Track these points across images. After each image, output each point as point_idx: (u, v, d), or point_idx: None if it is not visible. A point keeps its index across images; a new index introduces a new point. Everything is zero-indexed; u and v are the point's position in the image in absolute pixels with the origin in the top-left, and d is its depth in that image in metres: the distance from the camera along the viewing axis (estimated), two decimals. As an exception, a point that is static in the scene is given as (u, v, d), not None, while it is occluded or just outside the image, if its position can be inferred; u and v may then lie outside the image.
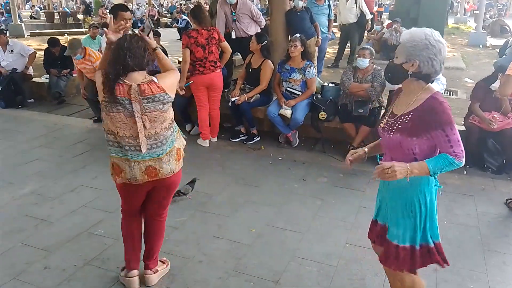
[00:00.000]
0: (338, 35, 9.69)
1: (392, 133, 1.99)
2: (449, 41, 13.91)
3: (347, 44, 9.24)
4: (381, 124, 2.11)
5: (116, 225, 3.37)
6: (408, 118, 1.94)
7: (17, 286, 2.71)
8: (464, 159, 1.89)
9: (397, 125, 1.97)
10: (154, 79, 2.33)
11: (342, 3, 9.02)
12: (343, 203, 3.76)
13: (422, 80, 1.94)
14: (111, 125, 2.31)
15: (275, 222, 3.45)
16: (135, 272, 2.67)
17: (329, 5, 7.62)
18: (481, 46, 13.15)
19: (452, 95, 7.08)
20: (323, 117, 4.83)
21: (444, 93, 6.86)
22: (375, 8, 19.37)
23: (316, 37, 6.72)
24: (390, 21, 10.26)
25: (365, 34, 10.48)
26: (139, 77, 2.27)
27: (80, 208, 3.68)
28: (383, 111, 4.67)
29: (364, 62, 4.54)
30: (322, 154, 4.87)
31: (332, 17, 7.77)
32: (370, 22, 9.49)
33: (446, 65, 6.51)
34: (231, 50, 5.08)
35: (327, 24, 7.51)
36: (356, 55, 4.75)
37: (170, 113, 2.41)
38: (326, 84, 5.33)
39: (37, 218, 3.53)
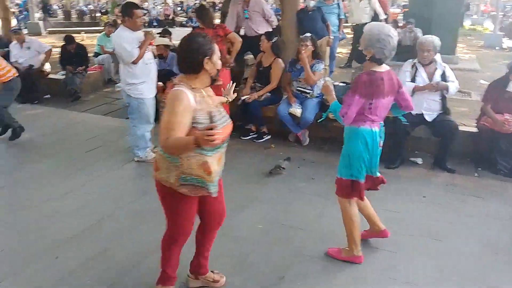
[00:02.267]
0: (351, 35, 9.65)
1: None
2: (465, 42, 13.73)
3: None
4: None
5: (126, 220, 3.47)
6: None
7: (29, 275, 2.78)
8: (344, 119, 2.62)
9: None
10: None
11: (355, 3, 8.96)
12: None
13: (375, 62, 2.63)
14: None
15: (281, 220, 3.47)
16: None
17: (338, 4, 7.59)
18: (497, 47, 12.95)
19: (466, 96, 6.99)
20: (332, 117, 4.81)
21: (458, 94, 6.80)
22: (397, 10, 19.19)
23: (327, 37, 6.70)
24: (405, 21, 10.16)
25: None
26: None
27: (91, 202, 3.77)
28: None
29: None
30: (331, 153, 4.86)
31: (343, 17, 7.74)
32: (384, 23, 9.39)
33: (460, 67, 6.39)
34: (240, 40, 5.06)
35: (338, 23, 7.49)
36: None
37: None
38: (336, 83, 5.32)
39: (49, 212, 3.62)
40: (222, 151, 2.31)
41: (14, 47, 7.33)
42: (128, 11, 4.12)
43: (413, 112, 4.39)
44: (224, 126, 2.18)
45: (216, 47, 2.18)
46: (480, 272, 2.85)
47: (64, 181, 4.18)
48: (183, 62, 2.17)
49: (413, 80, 4.40)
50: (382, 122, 2.81)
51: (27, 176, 4.31)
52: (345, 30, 9.17)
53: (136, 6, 4.27)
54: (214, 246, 2.70)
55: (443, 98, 4.42)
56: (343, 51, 10.56)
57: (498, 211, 3.64)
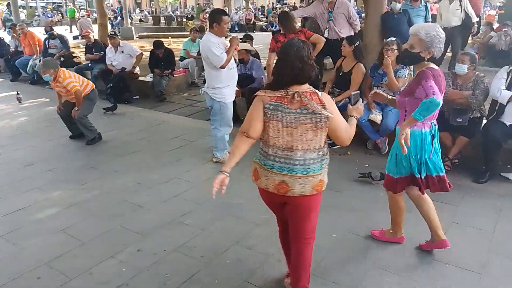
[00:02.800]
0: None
1: (405, 97, 2.81)
2: None
3: (449, 49, 8.66)
4: (398, 94, 2.95)
5: (204, 216, 3.62)
6: (409, 84, 2.81)
7: (113, 265, 3.01)
8: (436, 96, 2.51)
9: (406, 90, 2.82)
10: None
11: (445, 6, 8.45)
12: (432, 216, 3.55)
13: (432, 62, 2.74)
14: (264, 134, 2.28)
15: (357, 229, 3.39)
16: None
17: (425, 6, 7.22)
18: None
19: None
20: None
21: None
22: (492, 12, 17.81)
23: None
24: (499, 24, 9.39)
25: (470, 38, 9.74)
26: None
27: (172, 198, 3.98)
28: (484, 121, 4.33)
29: (462, 68, 4.25)
30: (413, 163, 4.65)
31: (430, 19, 7.36)
32: (476, 26, 8.76)
33: None
34: (324, 39, 5.03)
35: None
36: (457, 60, 4.45)
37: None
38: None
39: (135, 204, 3.88)
40: None
41: (109, 51, 7.99)
42: (217, 17, 4.29)
43: (507, 123, 4.06)
44: None
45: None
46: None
47: (149, 176, 4.46)
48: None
49: (508, 88, 4.06)
50: (434, 121, 2.87)
51: (118, 169, 4.67)
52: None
53: (224, 13, 4.45)
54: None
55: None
56: (428, 56, 10.04)
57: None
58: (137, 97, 7.98)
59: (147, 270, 2.93)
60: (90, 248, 3.21)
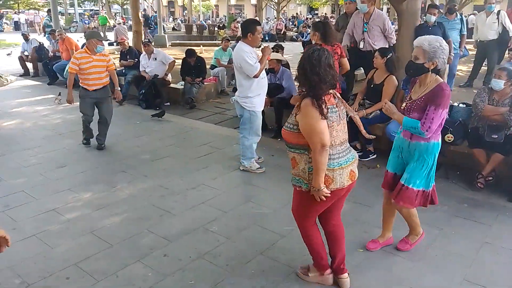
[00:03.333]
0: (474, 52, 8.92)
1: (410, 113, 2.84)
2: None
3: (484, 63, 8.43)
4: (402, 107, 2.94)
5: (229, 224, 3.62)
6: (421, 100, 2.79)
7: (139, 269, 3.05)
8: (427, 133, 2.73)
9: (413, 107, 2.83)
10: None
11: (481, 19, 8.25)
12: (464, 236, 3.44)
13: (434, 73, 2.79)
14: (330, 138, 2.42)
15: (385, 246, 3.31)
16: (329, 270, 2.87)
17: (461, 19, 7.10)
18: None
19: None
20: (449, 140, 4.47)
21: None
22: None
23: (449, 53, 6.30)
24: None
25: (507, 52, 9.46)
26: None
27: (199, 205, 4.01)
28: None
29: (498, 84, 4.12)
30: (445, 180, 4.52)
31: (465, 33, 7.21)
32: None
33: None
34: (348, 68, 5.06)
35: (459, 39, 6.99)
36: (494, 75, 4.33)
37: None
38: (456, 104, 4.95)
39: (162, 209, 3.94)
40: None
41: (143, 57, 8.19)
42: (251, 27, 4.34)
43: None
44: None
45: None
46: None
47: (177, 182, 4.52)
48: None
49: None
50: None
51: (146, 173, 4.75)
52: (468, 47, 8.51)
53: (258, 23, 4.50)
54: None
55: None
56: (463, 69, 9.80)
57: None
58: (168, 103, 8.12)
59: (172, 276, 2.96)
60: (117, 250, 3.27)
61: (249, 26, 4.36)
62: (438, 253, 3.23)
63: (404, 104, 2.94)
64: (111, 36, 20.51)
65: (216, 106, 8.17)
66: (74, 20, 34.05)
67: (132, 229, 3.57)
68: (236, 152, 5.23)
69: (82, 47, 9.73)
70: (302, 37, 18.88)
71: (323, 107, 2.35)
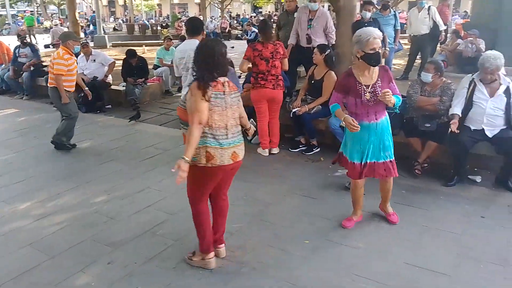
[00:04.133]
0: (408, 46, 9.39)
1: (378, 95, 3.14)
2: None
3: (418, 56, 8.90)
4: (365, 97, 3.17)
5: (178, 226, 3.57)
6: (380, 81, 3.20)
7: (82, 278, 2.93)
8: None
9: (378, 89, 3.16)
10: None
11: (414, 14, 8.71)
12: (404, 222, 3.61)
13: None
14: (210, 119, 2.68)
15: (331, 236, 3.41)
16: (213, 253, 3.03)
17: (395, 15, 7.48)
18: None
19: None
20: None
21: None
22: (460, 21, 18.37)
23: (383, 48, 6.58)
24: (466, 32, 9.70)
25: (438, 46, 10.05)
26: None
27: (146, 208, 3.91)
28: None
29: (427, 77, 4.38)
30: (385, 169, 4.72)
31: (399, 28, 7.59)
32: (444, 34, 9.05)
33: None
34: (287, 68, 5.18)
35: (394, 35, 7.34)
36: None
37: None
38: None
39: (107, 215, 3.80)
40: None
41: (81, 59, 7.83)
42: (202, 26, 4.53)
43: (472, 127, 4.18)
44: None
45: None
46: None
47: (123, 186, 4.38)
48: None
49: (471, 96, 4.17)
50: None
51: (89, 179, 4.56)
52: (402, 41, 8.94)
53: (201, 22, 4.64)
54: (263, 257, 2.75)
55: (507, 112, 4.13)
56: (400, 63, 10.27)
57: None
58: (109, 106, 7.85)
59: (118, 283, 2.87)
60: (59, 261, 3.12)
61: (201, 24, 4.46)
62: (382, 239, 3.37)
63: (367, 95, 3.17)
64: (40, 38, 19.53)
65: (161, 107, 8.00)
66: (7, 22, 32.07)
67: (75, 238, 3.42)
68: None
69: (15, 50, 9.22)
70: (247, 36, 18.95)
71: (207, 90, 2.61)
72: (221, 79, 2.74)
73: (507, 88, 4.09)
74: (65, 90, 5.34)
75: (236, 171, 2.96)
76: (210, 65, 2.66)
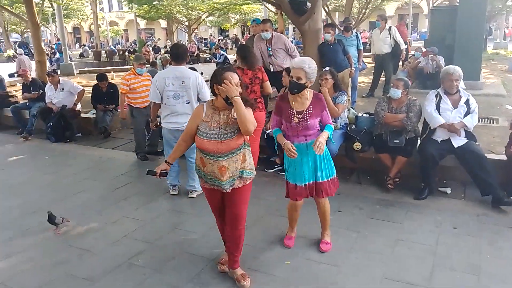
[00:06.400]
0: (372, 65, 9.73)
1: (308, 121, 3.24)
2: (489, 67, 13.54)
3: (382, 74, 9.25)
4: (294, 122, 3.26)
5: (156, 255, 3.51)
6: (311, 108, 3.26)
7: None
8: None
9: (307, 116, 3.24)
10: None
11: (376, 34, 9.10)
12: (379, 236, 3.69)
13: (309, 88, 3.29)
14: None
15: (310, 255, 3.44)
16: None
17: (357, 36, 7.81)
18: (524, 71, 12.70)
19: (493, 123, 6.82)
20: (358, 148, 4.81)
21: (483, 121, 6.68)
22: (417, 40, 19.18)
23: (349, 68, 6.82)
24: (426, 49, 10.16)
25: (400, 63, 10.48)
26: None
27: (122, 239, 3.84)
28: (419, 141, 4.61)
29: (396, 93, 4.55)
30: (358, 185, 4.83)
31: (361, 48, 7.89)
32: (404, 52, 9.49)
33: (485, 92, 6.36)
34: (270, 92, 5.21)
35: (357, 54, 7.62)
36: (391, 84, 4.76)
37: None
38: (360, 114, 5.34)
39: (81, 248, 3.70)
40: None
41: (49, 88, 7.69)
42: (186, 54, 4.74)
43: (439, 139, 4.36)
44: (211, 140, 2.80)
45: (230, 77, 2.75)
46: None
47: (95, 218, 4.29)
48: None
49: (437, 107, 4.37)
50: None
51: (61, 213, 4.42)
52: (366, 60, 9.27)
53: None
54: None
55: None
56: (364, 81, 10.61)
57: (535, 242, 3.51)
58: (79, 134, 7.70)
59: (97, 319, 2.79)
60: (33, 300, 3.01)
61: (186, 50, 4.65)
62: (359, 254, 3.43)
63: (295, 119, 3.25)
64: (2, 67, 19.04)
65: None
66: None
67: (48, 275, 3.31)
68: (157, 179, 5.09)
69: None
70: (216, 59, 19.11)
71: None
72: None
73: (467, 100, 4.34)
74: (135, 107, 6.14)
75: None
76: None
